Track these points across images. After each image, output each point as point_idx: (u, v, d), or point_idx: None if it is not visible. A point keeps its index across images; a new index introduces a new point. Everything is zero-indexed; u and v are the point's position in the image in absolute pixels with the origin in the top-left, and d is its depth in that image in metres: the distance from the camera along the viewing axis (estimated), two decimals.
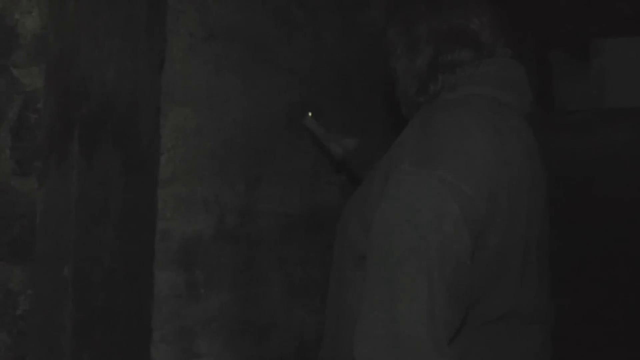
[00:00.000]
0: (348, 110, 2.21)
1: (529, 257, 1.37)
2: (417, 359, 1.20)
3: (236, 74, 1.88)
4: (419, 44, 1.45)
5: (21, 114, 1.31)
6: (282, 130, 2.03)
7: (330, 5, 2.21)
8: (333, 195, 2.19)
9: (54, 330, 1.34)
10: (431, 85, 1.43)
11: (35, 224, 1.30)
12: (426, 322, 1.21)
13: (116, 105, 1.44)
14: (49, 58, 1.31)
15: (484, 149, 1.29)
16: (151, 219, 1.51)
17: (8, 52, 1.31)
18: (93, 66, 1.39)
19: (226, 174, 1.86)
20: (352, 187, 1.84)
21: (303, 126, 2.01)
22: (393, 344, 1.21)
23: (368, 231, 1.29)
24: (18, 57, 1.31)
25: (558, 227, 1.74)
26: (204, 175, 1.80)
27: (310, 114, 2.00)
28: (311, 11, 2.13)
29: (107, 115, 1.42)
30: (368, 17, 2.29)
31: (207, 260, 1.81)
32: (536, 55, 3.19)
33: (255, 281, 1.96)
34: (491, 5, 1.45)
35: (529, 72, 1.45)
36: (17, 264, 1.31)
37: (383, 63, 1.51)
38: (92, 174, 1.39)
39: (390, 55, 1.49)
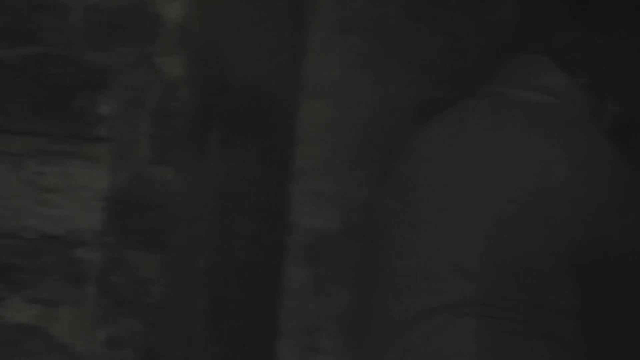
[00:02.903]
0: None
1: None
2: None
3: (369, 68, 1.85)
4: None
5: (161, 102, 1.31)
6: (413, 127, 1.99)
7: (461, 3, 2.16)
8: None
9: (185, 321, 1.34)
10: None
11: (170, 213, 1.29)
12: None
13: (255, 96, 1.43)
14: (190, 47, 1.31)
15: None
16: (283, 213, 1.50)
17: (151, 40, 1.31)
18: (234, 57, 1.38)
19: (355, 170, 1.83)
20: None
21: None
22: None
23: None
24: (160, 46, 1.31)
25: None
26: (333, 170, 1.78)
27: None
28: (443, 8, 2.08)
29: (246, 107, 1.41)
30: (498, 15, 2.23)
31: (333, 256, 1.79)
32: None
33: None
34: None
35: None
36: (152, 252, 1.30)
37: None
38: (229, 165, 1.38)
39: None
